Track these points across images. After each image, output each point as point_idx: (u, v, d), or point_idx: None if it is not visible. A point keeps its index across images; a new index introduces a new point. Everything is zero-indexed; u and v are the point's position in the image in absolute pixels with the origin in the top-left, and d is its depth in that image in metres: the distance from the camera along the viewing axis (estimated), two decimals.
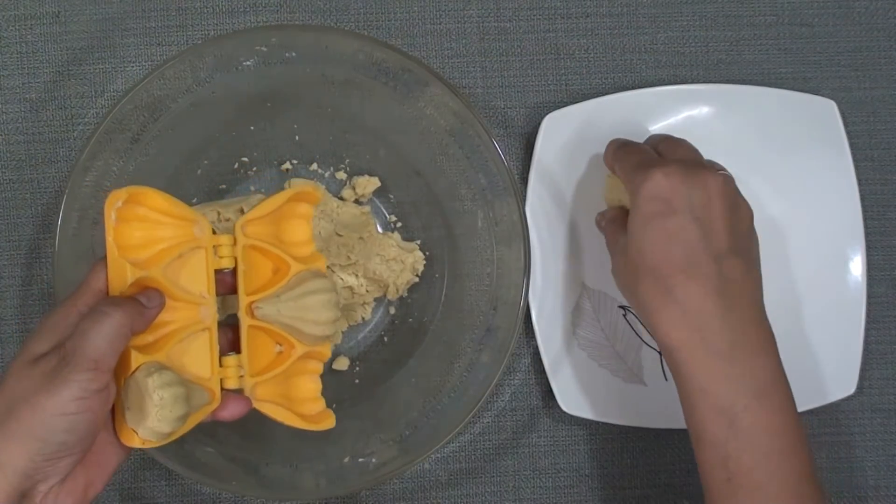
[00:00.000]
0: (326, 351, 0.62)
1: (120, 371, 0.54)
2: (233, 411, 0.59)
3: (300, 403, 0.62)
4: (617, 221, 0.67)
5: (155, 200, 0.56)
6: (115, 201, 0.55)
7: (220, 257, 0.59)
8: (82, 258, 0.65)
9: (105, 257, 0.55)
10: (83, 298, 0.54)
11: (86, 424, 0.50)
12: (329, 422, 0.62)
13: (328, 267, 0.70)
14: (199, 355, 0.58)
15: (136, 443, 0.54)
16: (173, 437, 0.55)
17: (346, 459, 0.68)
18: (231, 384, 0.59)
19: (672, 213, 0.60)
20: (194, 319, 0.57)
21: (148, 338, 0.56)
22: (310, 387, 0.62)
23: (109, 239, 0.55)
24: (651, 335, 0.62)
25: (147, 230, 0.57)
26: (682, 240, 0.59)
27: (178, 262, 0.57)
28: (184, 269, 0.57)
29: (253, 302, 0.59)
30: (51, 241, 0.70)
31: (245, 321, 0.60)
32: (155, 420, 0.53)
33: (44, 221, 0.73)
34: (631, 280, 0.62)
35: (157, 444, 0.54)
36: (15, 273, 0.73)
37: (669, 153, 0.64)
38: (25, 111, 0.73)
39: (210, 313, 0.58)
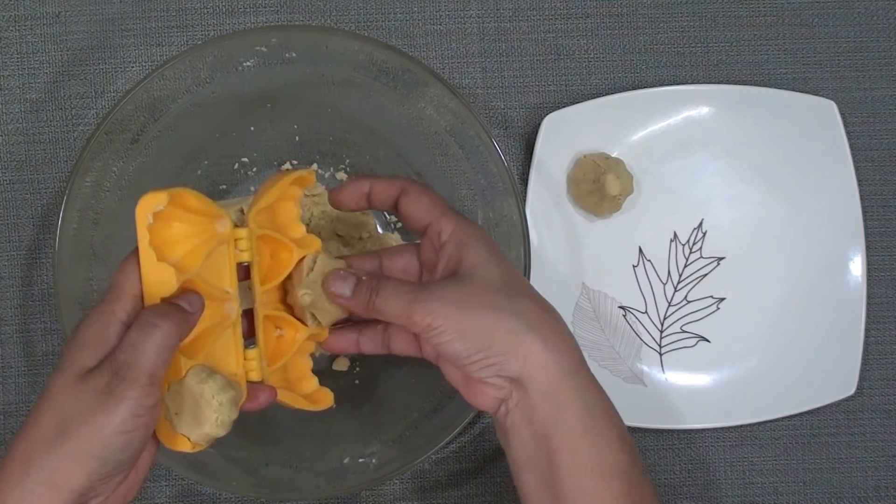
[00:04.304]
0: (325, 332, 0.62)
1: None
2: (261, 402, 0.57)
3: (297, 383, 0.62)
4: None
5: (188, 200, 0.54)
6: (153, 204, 0.52)
7: (241, 251, 0.58)
8: (82, 258, 0.65)
9: (130, 258, 0.53)
10: (120, 304, 0.52)
11: (140, 440, 0.50)
12: (328, 400, 0.62)
13: None
14: (228, 352, 0.57)
15: (187, 448, 0.53)
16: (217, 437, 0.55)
17: (346, 460, 0.68)
18: (254, 376, 0.58)
19: None
20: (222, 316, 0.56)
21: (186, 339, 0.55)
22: (303, 365, 0.62)
23: (144, 243, 0.52)
24: None
25: (174, 230, 0.55)
26: None
27: (207, 261, 0.56)
28: (211, 267, 0.56)
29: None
30: (51, 241, 0.70)
31: (260, 311, 0.59)
32: (213, 426, 0.53)
33: (44, 221, 0.73)
34: None
35: (204, 447, 0.54)
36: (15, 273, 0.73)
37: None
38: (26, 112, 0.73)
39: (234, 308, 0.57)
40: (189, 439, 0.53)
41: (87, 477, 0.48)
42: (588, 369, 0.55)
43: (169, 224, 0.54)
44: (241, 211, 0.68)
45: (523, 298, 0.54)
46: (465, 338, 0.53)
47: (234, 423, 0.54)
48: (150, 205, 0.52)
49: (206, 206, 0.55)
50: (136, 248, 0.53)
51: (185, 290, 0.53)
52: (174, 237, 0.54)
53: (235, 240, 0.57)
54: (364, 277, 0.57)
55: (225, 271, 0.57)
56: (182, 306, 0.52)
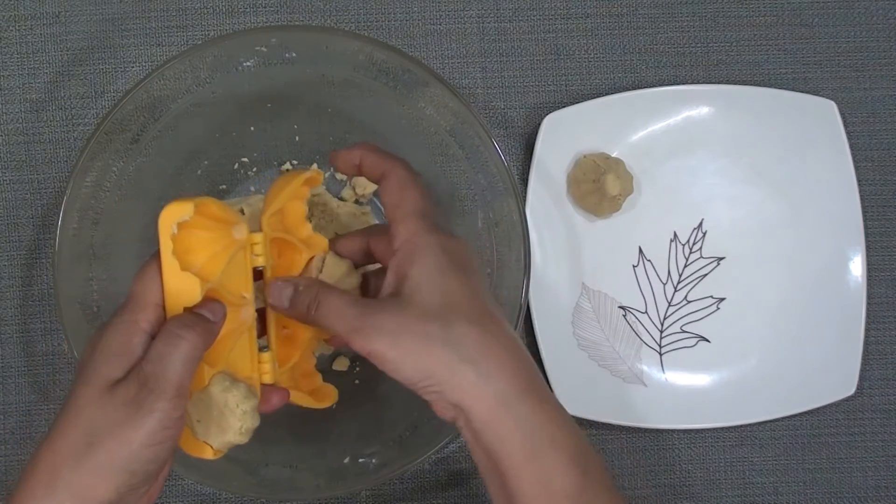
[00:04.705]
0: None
1: None
2: (274, 404, 0.57)
3: (301, 380, 0.62)
4: None
5: (211, 208, 0.54)
6: (178, 214, 0.51)
7: (256, 255, 0.57)
8: (82, 258, 0.65)
9: (149, 266, 0.52)
10: (143, 314, 0.51)
11: (168, 451, 0.49)
12: (332, 396, 0.62)
13: None
14: (243, 356, 0.57)
15: (209, 455, 0.53)
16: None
17: (346, 460, 0.68)
18: (267, 379, 0.58)
19: None
20: (239, 321, 0.56)
21: None
22: (307, 362, 0.62)
23: (167, 253, 0.52)
24: None
25: (195, 239, 0.54)
26: None
27: (226, 268, 0.55)
28: (229, 273, 0.55)
29: None
30: (51, 241, 0.70)
31: (272, 315, 0.59)
32: (237, 434, 0.53)
33: (44, 221, 0.73)
34: None
35: (224, 454, 0.54)
36: (15, 273, 0.73)
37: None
38: (26, 112, 0.73)
39: (250, 313, 0.57)
40: (212, 447, 0.53)
41: (116, 490, 0.48)
42: (539, 390, 0.53)
43: (190, 232, 0.54)
44: (242, 211, 0.68)
45: (461, 324, 0.52)
46: (408, 367, 0.52)
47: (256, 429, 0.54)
48: (174, 215, 0.51)
49: (225, 214, 0.55)
50: (154, 257, 0.52)
51: (207, 299, 0.53)
52: (195, 246, 0.54)
53: (251, 244, 0.57)
54: (301, 288, 0.56)
55: (242, 277, 0.57)
56: (206, 316, 0.52)
